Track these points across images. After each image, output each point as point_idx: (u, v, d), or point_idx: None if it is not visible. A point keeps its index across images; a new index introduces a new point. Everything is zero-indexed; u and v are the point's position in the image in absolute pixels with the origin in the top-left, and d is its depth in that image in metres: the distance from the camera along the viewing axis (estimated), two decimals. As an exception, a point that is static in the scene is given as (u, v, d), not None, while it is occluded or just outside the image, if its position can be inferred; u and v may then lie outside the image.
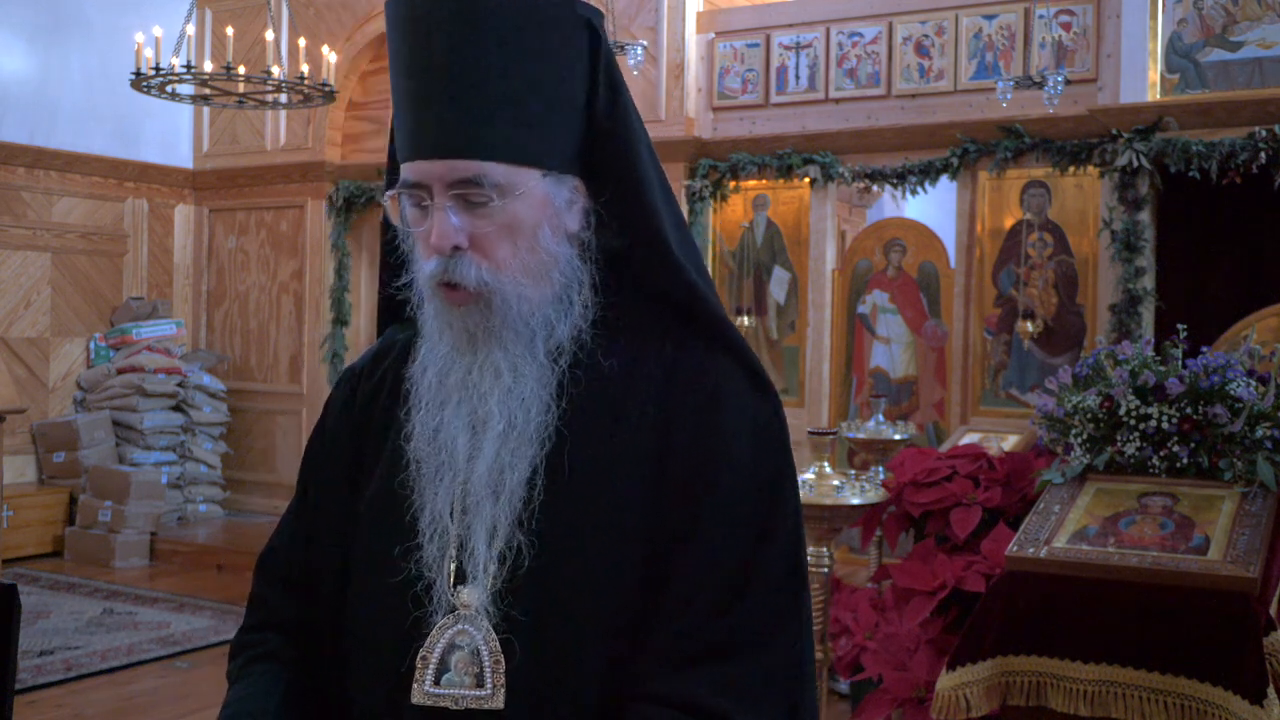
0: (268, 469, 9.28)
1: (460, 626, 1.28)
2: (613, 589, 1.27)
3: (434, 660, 1.29)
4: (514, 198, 1.28)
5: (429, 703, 1.28)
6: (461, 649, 1.28)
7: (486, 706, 1.26)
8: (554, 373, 1.32)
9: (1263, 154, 5.83)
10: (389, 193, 1.35)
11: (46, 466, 8.51)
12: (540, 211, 1.30)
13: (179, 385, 8.78)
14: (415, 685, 1.29)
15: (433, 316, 1.34)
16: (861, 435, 5.38)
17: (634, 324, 1.37)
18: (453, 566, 1.30)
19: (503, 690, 1.26)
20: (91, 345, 8.97)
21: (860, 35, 7.26)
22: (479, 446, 1.30)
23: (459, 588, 1.29)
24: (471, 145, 1.27)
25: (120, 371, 8.72)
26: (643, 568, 1.28)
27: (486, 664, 1.27)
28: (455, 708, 1.27)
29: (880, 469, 4.92)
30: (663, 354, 1.35)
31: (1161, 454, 2.85)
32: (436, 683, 1.28)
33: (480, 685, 1.27)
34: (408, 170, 1.30)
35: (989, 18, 6.91)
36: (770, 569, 1.29)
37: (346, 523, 1.41)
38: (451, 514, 1.31)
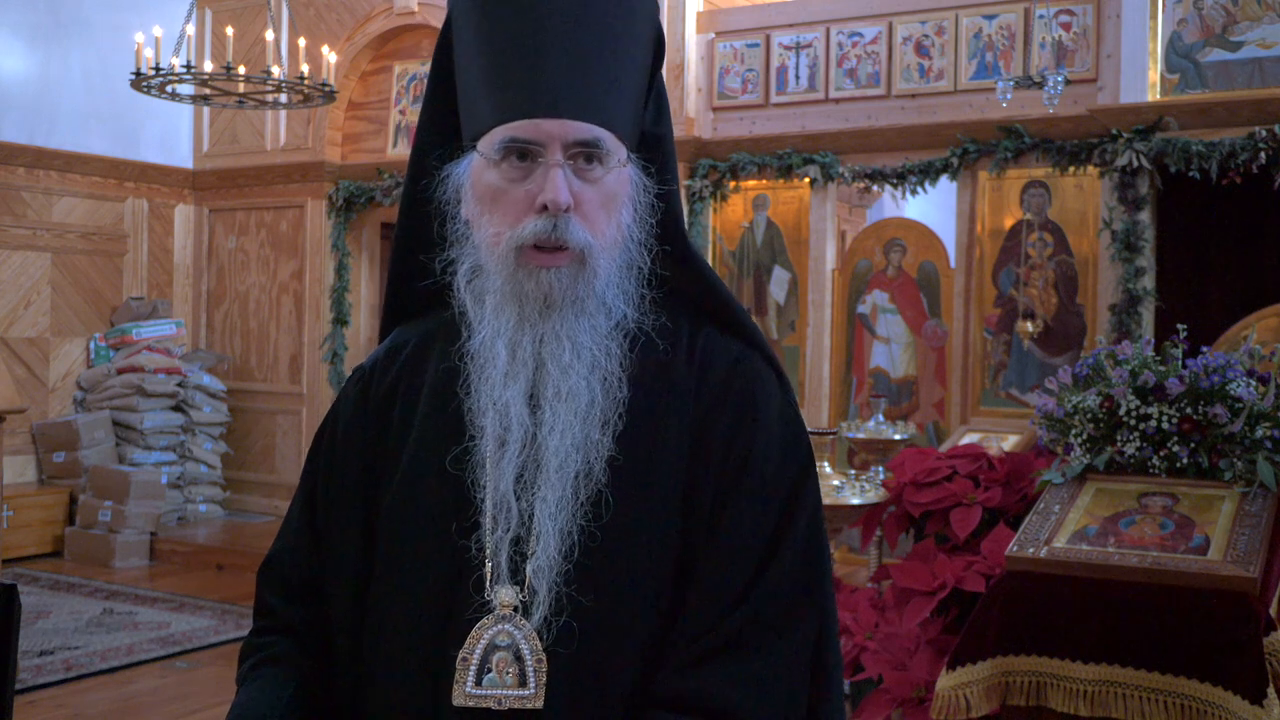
0: (268, 469, 9.29)
1: (500, 626, 1.28)
2: (649, 583, 1.28)
3: (475, 661, 1.27)
4: (616, 169, 1.31)
5: (471, 704, 1.27)
6: (502, 649, 1.27)
7: (529, 706, 1.26)
8: (622, 351, 1.32)
9: (1263, 154, 5.83)
10: (476, 151, 1.32)
11: (46, 466, 8.51)
12: (626, 189, 1.33)
13: (179, 385, 8.78)
14: (456, 687, 1.27)
15: (501, 284, 1.31)
16: (861, 435, 5.38)
17: (667, 315, 1.37)
18: (507, 552, 1.29)
19: (544, 689, 1.26)
20: (91, 345, 8.98)
21: (860, 35, 7.26)
22: (555, 422, 1.29)
23: (496, 588, 1.28)
24: (595, 109, 1.29)
25: (120, 371, 8.73)
26: (680, 568, 1.29)
27: (529, 663, 1.26)
28: (498, 708, 1.26)
29: (880, 469, 4.92)
30: (694, 344, 1.36)
31: (1161, 454, 2.85)
32: (478, 684, 1.27)
33: (523, 685, 1.26)
34: (515, 129, 1.28)
35: (989, 18, 6.91)
36: (786, 566, 1.29)
37: (361, 522, 1.40)
38: (516, 493, 1.29)
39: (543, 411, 1.30)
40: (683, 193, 7.50)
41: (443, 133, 1.41)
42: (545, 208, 1.27)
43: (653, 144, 1.38)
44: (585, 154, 1.28)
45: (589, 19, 1.30)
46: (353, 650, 1.38)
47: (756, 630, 1.26)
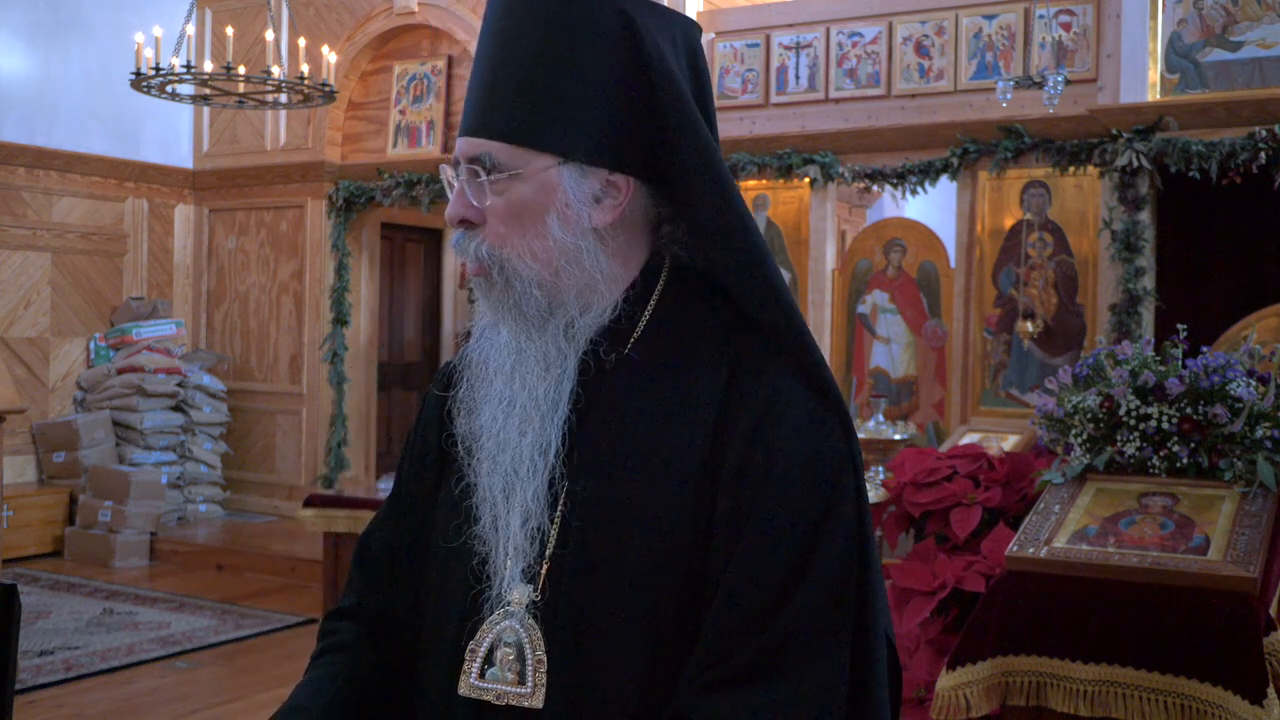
0: (268, 469, 9.28)
1: (507, 623, 1.30)
2: (653, 591, 1.26)
3: (481, 653, 1.30)
4: (516, 179, 1.30)
5: (474, 695, 1.30)
6: (507, 645, 1.29)
7: (526, 704, 1.27)
8: (575, 361, 1.32)
9: (1263, 154, 5.83)
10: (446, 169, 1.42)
11: (46, 466, 8.51)
12: (548, 198, 1.30)
13: (179, 385, 8.79)
14: (463, 677, 1.31)
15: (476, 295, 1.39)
16: (861, 435, 5.38)
17: (694, 327, 1.35)
18: (505, 555, 1.31)
19: (543, 689, 1.27)
20: (91, 345, 8.98)
21: (860, 35, 7.26)
22: (509, 427, 1.32)
23: (510, 585, 1.30)
24: (482, 125, 1.32)
25: (120, 371, 8.73)
26: (689, 578, 1.27)
27: (529, 661, 1.28)
28: (497, 703, 1.29)
29: (880, 469, 4.92)
30: (722, 361, 1.32)
31: (1161, 454, 2.84)
32: (482, 676, 1.30)
33: (522, 682, 1.28)
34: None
35: (989, 18, 6.91)
36: (811, 592, 1.24)
37: (431, 509, 1.44)
38: (504, 495, 1.32)
39: (505, 416, 1.33)
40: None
41: None
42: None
43: (673, 140, 1.32)
44: (475, 169, 1.32)
45: (516, 29, 1.32)
46: (415, 635, 1.43)
47: (781, 657, 1.22)
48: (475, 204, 1.32)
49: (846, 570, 1.26)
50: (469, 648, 1.31)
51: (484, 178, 1.31)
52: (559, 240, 1.31)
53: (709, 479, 1.28)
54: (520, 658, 1.28)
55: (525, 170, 1.30)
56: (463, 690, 1.30)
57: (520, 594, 1.30)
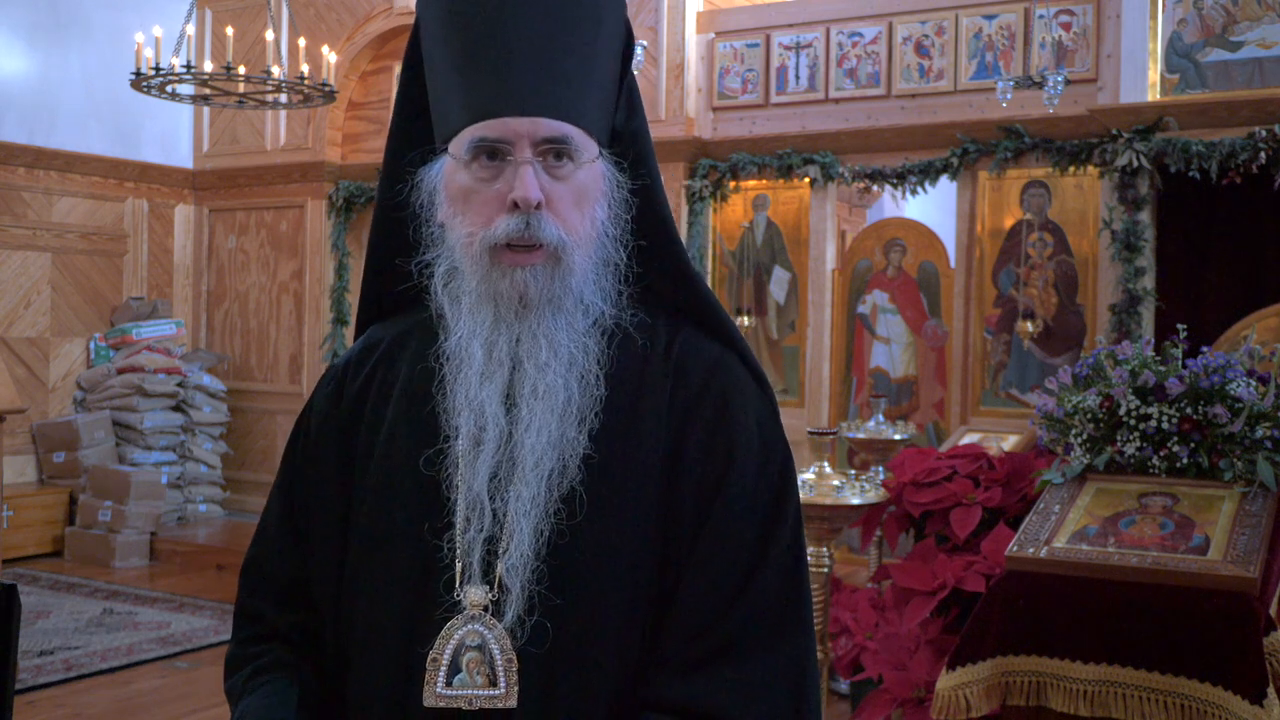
0: (268, 469, 9.28)
1: (469, 626, 1.27)
2: (625, 579, 1.27)
3: (445, 661, 1.27)
4: (586, 166, 1.30)
5: (442, 704, 1.27)
6: (473, 649, 1.27)
7: (500, 705, 1.26)
8: (600, 348, 1.32)
9: (1262, 154, 5.83)
10: (448, 154, 1.32)
11: (46, 466, 8.50)
12: (599, 185, 1.32)
13: (179, 385, 8.78)
14: (427, 688, 1.27)
15: (476, 285, 1.31)
16: (861, 435, 5.38)
17: (644, 313, 1.37)
18: (480, 551, 1.28)
19: (516, 689, 1.26)
20: (91, 345, 8.97)
21: (860, 35, 7.26)
22: (532, 420, 1.28)
23: (466, 588, 1.28)
24: (563, 106, 1.29)
25: (120, 371, 8.72)
26: (658, 567, 1.28)
27: (499, 662, 1.26)
28: (469, 708, 1.26)
29: (880, 469, 4.92)
30: (672, 343, 1.36)
31: (1161, 454, 2.84)
32: (449, 684, 1.27)
33: (493, 684, 1.26)
34: (483, 129, 1.28)
35: (989, 18, 6.91)
36: (773, 572, 1.28)
37: (341, 520, 1.38)
38: (489, 492, 1.29)
39: (519, 410, 1.29)
40: (682, 192, 7.50)
41: (414, 136, 1.40)
42: (516, 205, 1.26)
43: (627, 140, 1.37)
44: (555, 151, 1.28)
45: (555, 16, 1.29)
46: (338, 649, 1.38)
47: (747, 638, 1.26)
48: (548, 188, 1.28)
49: (799, 551, 1.32)
50: (430, 657, 1.27)
51: (571, 164, 1.28)
52: (603, 225, 1.33)
53: (673, 472, 1.30)
54: (489, 660, 1.26)
55: (592, 158, 1.31)
56: (428, 701, 1.27)
57: (478, 595, 1.27)
